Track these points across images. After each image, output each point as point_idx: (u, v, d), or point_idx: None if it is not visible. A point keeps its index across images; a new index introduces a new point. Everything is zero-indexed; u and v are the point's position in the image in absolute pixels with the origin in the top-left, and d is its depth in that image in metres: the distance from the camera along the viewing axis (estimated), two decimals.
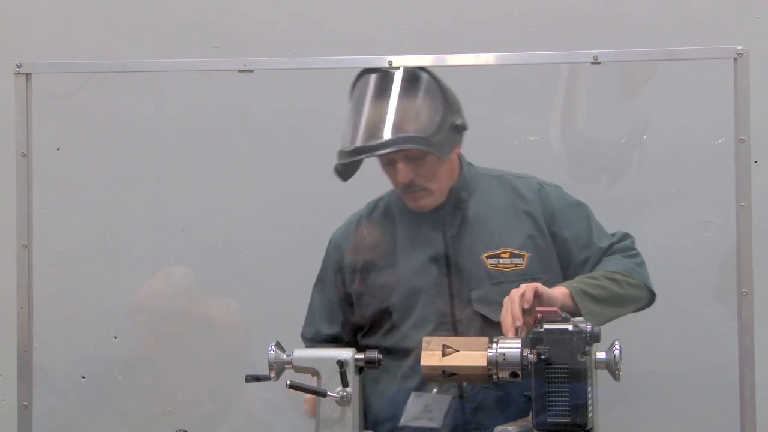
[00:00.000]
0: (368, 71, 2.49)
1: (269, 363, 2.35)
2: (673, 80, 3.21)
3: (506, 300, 2.30)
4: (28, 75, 2.38)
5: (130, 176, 3.46)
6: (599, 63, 2.27)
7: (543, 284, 2.45)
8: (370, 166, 2.58)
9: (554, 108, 3.27)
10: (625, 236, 2.66)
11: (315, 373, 2.36)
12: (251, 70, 2.39)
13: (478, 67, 2.50)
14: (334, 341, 2.66)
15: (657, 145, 3.28)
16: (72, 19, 3.49)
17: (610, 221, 3.10)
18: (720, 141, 3.20)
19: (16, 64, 2.38)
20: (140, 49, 3.42)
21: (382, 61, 2.40)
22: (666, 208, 3.28)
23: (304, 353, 2.39)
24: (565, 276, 2.57)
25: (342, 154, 2.48)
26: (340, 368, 2.31)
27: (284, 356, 2.36)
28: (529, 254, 2.55)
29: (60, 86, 3.32)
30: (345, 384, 2.32)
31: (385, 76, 2.47)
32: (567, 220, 2.60)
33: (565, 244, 2.58)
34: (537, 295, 2.30)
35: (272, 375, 2.37)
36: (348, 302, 2.65)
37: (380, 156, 2.47)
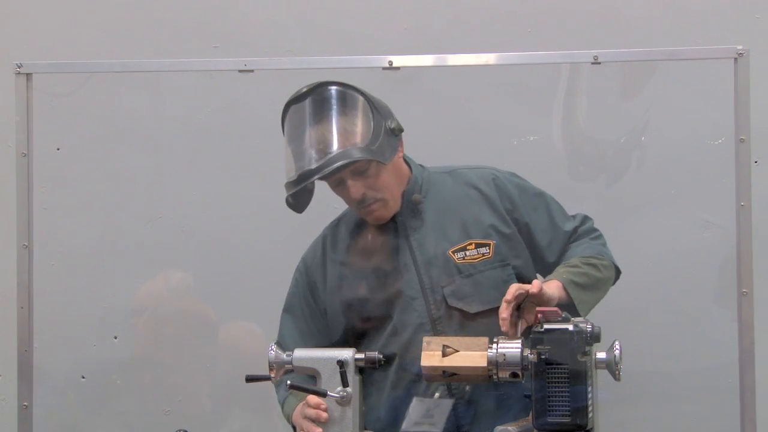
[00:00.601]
0: (292, 102, 2.51)
1: (269, 363, 2.35)
2: (673, 80, 3.21)
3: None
4: (28, 75, 2.38)
5: (130, 176, 3.46)
6: (599, 63, 2.28)
7: (515, 270, 2.52)
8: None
9: (554, 108, 3.28)
10: (586, 218, 2.68)
11: (315, 373, 2.36)
12: (251, 70, 2.39)
13: (478, 67, 2.51)
14: None
15: (657, 145, 3.28)
16: (72, 19, 3.49)
17: (610, 221, 3.10)
18: (720, 141, 3.20)
19: (17, 64, 2.38)
20: (140, 49, 3.42)
21: (382, 61, 2.40)
22: (666, 208, 3.28)
23: (304, 353, 2.39)
24: (534, 260, 2.59)
25: (288, 185, 2.48)
26: (341, 368, 2.32)
27: (284, 356, 2.36)
28: (495, 242, 2.55)
29: (60, 86, 3.32)
30: (345, 384, 2.33)
31: (310, 102, 2.48)
32: (525, 205, 2.60)
33: (527, 229, 2.59)
34: (536, 294, 2.31)
35: (272, 375, 2.37)
36: (322, 322, 2.64)
37: (327, 177, 2.47)
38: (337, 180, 2.50)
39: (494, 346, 2.21)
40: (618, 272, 2.65)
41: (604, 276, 2.56)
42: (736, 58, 2.22)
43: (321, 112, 2.47)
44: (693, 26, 3.26)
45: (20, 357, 2.40)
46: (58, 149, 3.46)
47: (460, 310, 2.51)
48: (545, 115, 3.28)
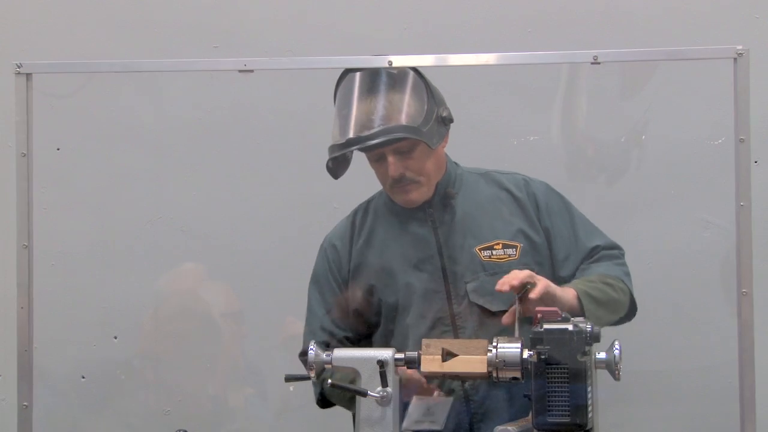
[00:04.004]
0: (351, 71, 2.51)
1: (309, 363, 2.33)
2: (673, 80, 3.21)
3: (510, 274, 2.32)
4: (28, 75, 2.38)
5: (130, 176, 3.46)
6: (599, 63, 2.27)
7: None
8: (365, 165, 2.58)
9: (554, 108, 3.28)
10: (616, 246, 2.66)
11: (355, 373, 2.34)
12: (251, 70, 2.38)
13: (478, 67, 2.51)
14: (348, 343, 2.63)
15: (657, 145, 3.28)
16: (72, 19, 3.49)
17: (609, 221, 3.09)
18: (720, 141, 3.20)
19: (16, 64, 2.38)
20: (140, 49, 3.42)
21: (382, 61, 2.40)
22: (666, 208, 3.28)
23: (344, 353, 2.36)
24: (552, 270, 2.58)
25: (333, 148, 2.48)
26: (381, 368, 2.30)
27: (324, 356, 2.35)
28: (522, 245, 2.56)
29: (60, 86, 3.32)
30: (385, 384, 2.31)
31: (369, 73, 2.48)
32: (552, 215, 2.61)
33: (548, 236, 2.59)
34: (549, 294, 2.31)
35: (312, 375, 2.36)
36: (347, 303, 2.64)
37: (372, 148, 2.47)
38: (378, 154, 2.50)
39: (493, 349, 2.20)
40: (634, 306, 2.60)
41: (620, 298, 2.53)
42: (736, 58, 2.22)
43: (383, 84, 2.46)
44: (693, 26, 3.26)
45: (20, 357, 2.39)
46: (58, 149, 3.46)
47: (481, 308, 2.52)
48: (545, 115, 3.28)
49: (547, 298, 2.30)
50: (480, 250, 2.55)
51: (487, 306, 2.51)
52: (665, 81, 3.21)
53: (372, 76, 2.48)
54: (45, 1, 3.51)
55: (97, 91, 3.40)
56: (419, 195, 2.56)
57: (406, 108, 2.45)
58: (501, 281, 2.31)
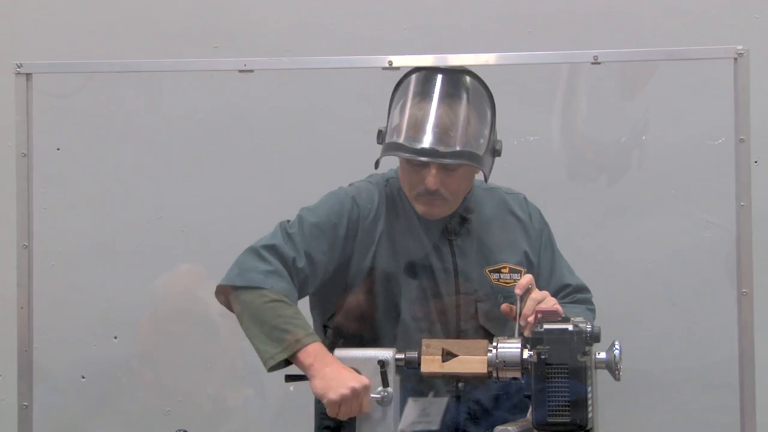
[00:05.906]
0: (438, 70, 2.46)
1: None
2: (673, 80, 3.21)
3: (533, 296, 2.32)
4: (28, 75, 2.38)
5: (130, 176, 3.46)
6: (599, 63, 2.27)
7: None
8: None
9: (554, 108, 3.27)
10: (586, 288, 2.67)
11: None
12: (251, 70, 2.38)
13: (478, 67, 2.50)
14: (286, 279, 2.49)
15: (657, 145, 3.28)
16: (72, 19, 3.49)
17: (610, 221, 3.10)
18: (720, 141, 3.20)
19: (16, 64, 2.38)
20: (140, 49, 3.42)
21: (382, 61, 2.40)
22: (666, 208, 3.28)
23: (344, 353, 2.35)
24: None
25: (400, 147, 2.40)
26: (381, 368, 2.30)
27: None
28: (525, 270, 2.55)
29: (60, 86, 3.32)
30: (386, 384, 2.31)
31: (448, 77, 2.44)
32: (542, 241, 2.62)
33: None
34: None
35: None
36: (341, 264, 2.54)
37: (437, 165, 2.41)
38: (423, 163, 2.43)
39: (494, 350, 2.21)
40: None
41: None
42: (736, 58, 2.22)
43: (463, 98, 2.43)
44: (693, 26, 3.26)
45: (20, 357, 2.40)
46: (58, 149, 3.46)
47: (487, 331, 2.50)
48: (545, 115, 3.28)
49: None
50: (489, 271, 2.55)
51: (493, 331, 2.48)
52: (665, 81, 3.21)
53: (451, 83, 2.43)
54: (45, 1, 3.52)
55: (96, 91, 3.40)
56: (441, 211, 2.51)
57: (477, 133, 2.42)
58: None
